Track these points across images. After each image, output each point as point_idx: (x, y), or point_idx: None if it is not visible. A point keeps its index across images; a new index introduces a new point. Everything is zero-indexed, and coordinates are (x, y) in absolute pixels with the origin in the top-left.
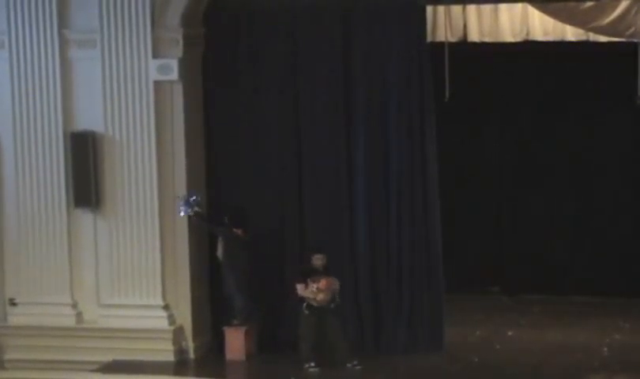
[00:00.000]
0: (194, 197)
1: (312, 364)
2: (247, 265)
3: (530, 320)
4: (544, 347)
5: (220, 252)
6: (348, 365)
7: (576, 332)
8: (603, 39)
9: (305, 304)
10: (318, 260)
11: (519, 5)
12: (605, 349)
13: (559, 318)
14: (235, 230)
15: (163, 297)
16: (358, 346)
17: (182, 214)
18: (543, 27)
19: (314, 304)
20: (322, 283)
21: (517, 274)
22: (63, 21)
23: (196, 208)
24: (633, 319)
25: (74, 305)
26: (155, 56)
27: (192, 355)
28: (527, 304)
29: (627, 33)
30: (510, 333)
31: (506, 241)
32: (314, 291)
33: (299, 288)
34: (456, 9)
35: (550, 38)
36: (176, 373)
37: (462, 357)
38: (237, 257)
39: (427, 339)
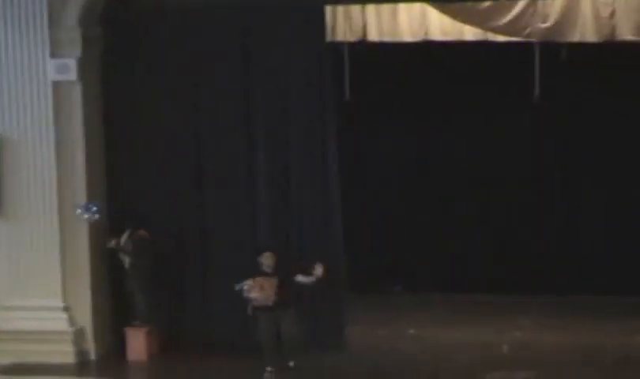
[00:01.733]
0: (94, 203)
1: (269, 368)
2: (151, 266)
3: (432, 318)
4: (446, 344)
5: (123, 256)
6: (268, 369)
7: (477, 330)
8: (501, 38)
9: (249, 305)
10: (264, 258)
11: (417, 5)
12: (505, 346)
13: (461, 316)
14: (139, 232)
15: (64, 298)
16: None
17: (85, 217)
18: (441, 27)
19: (255, 304)
20: (256, 280)
21: (419, 272)
22: None
23: (95, 216)
24: (533, 316)
25: None
26: (53, 56)
27: (93, 357)
28: (429, 302)
29: (524, 33)
30: (411, 331)
31: (407, 239)
32: (245, 289)
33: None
34: (355, 8)
35: (449, 38)
36: (77, 375)
37: (364, 356)
38: (142, 258)
39: (329, 339)
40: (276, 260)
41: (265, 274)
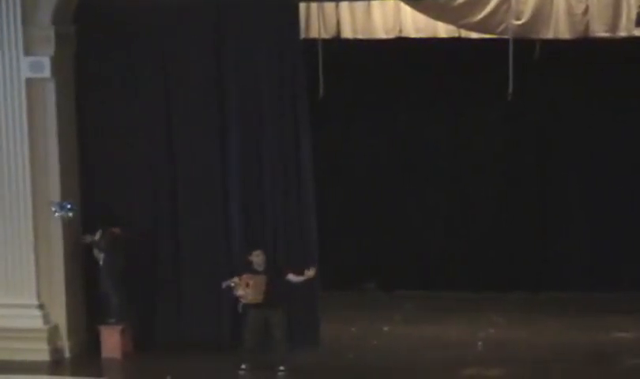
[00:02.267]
0: (68, 202)
1: (243, 366)
2: (124, 264)
3: (405, 315)
4: (420, 342)
5: (98, 253)
6: (242, 366)
7: (451, 327)
8: (475, 35)
9: (239, 304)
10: (254, 256)
11: (391, 2)
12: (479, 343)
13: (434, 313)
14: (112, 230)
15: (38, 296)
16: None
17: (59, 215)
18: (415, 24)
19: (243, 301)
20: (242, 278)
21: (392, 270)
22: None
23: (69, 213)
24: (506, 314)
25: None
26: (27, 53)
27: (67, 354)
28: (402, 300)
29: (498, 30)
30: (385, 329)
31: (381, 237)
32: (231, 286)
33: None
34: (329, 5)
35: (422, 35)
36: (52, 373)
37: (338, 353)
38: (116, 256)
39: (303, 336)
40: (266, 258)
41: (256, 272)
